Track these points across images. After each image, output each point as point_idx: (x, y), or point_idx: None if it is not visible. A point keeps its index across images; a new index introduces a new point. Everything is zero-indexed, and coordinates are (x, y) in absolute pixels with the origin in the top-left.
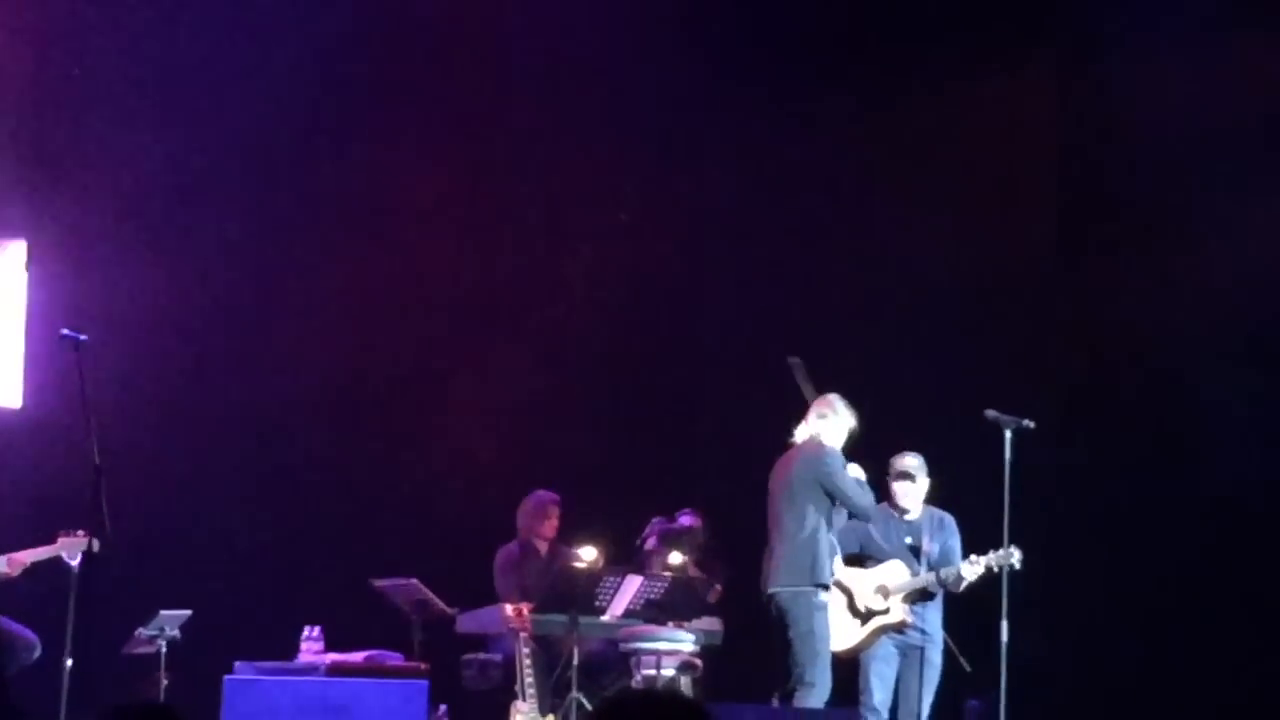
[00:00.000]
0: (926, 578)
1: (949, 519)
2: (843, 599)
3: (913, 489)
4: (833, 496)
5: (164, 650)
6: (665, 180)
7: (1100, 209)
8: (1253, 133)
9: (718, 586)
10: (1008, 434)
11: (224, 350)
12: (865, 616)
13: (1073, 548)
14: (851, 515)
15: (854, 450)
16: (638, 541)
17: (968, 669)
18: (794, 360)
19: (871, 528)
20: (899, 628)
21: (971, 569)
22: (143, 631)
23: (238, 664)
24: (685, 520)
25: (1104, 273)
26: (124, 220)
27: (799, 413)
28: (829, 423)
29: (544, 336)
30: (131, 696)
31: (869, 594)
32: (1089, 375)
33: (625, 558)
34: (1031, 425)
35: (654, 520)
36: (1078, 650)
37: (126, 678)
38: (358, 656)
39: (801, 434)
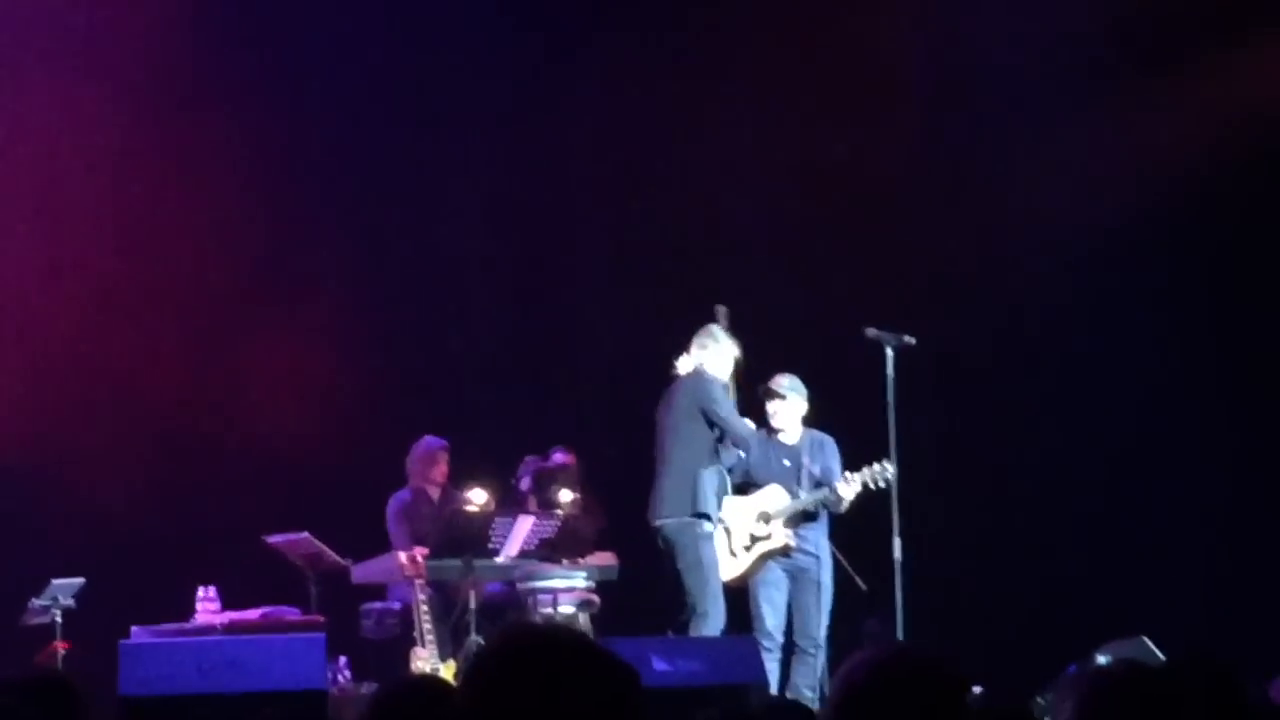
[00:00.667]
0: (807, 499)
1: (829, 441)
2: (725, 528)
3: (784, 407)
4: (713, 424)
5: (59, 619)
6: (525, 110)
7: (963, 113)
8: (1105, 42)
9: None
10: (889, 351)
11: (97, 313)
12: (749, 543)
13: (960, 462)
14: (732, 443)
15: (739, 375)
16: (513, 481)
17: (864, 589)
18: (720, 309)
19: (751, 453)
20: (784, 552)
21: (848, 488)
22: (36, 602)
23: (134, 628)
24: (559, 457)
25: (974, 183)
26: None
27: (677, 346)
28: (710, 352)
29: (414, 278)
30: (28, 667)
31: (750, 520)
32: (967, 288)
33: (502, 498)
34: (913, 341)
35: (527, 459)
36: (971, 564)
37: (24, 649)
38: (254, 613)
39: (685, 365)
